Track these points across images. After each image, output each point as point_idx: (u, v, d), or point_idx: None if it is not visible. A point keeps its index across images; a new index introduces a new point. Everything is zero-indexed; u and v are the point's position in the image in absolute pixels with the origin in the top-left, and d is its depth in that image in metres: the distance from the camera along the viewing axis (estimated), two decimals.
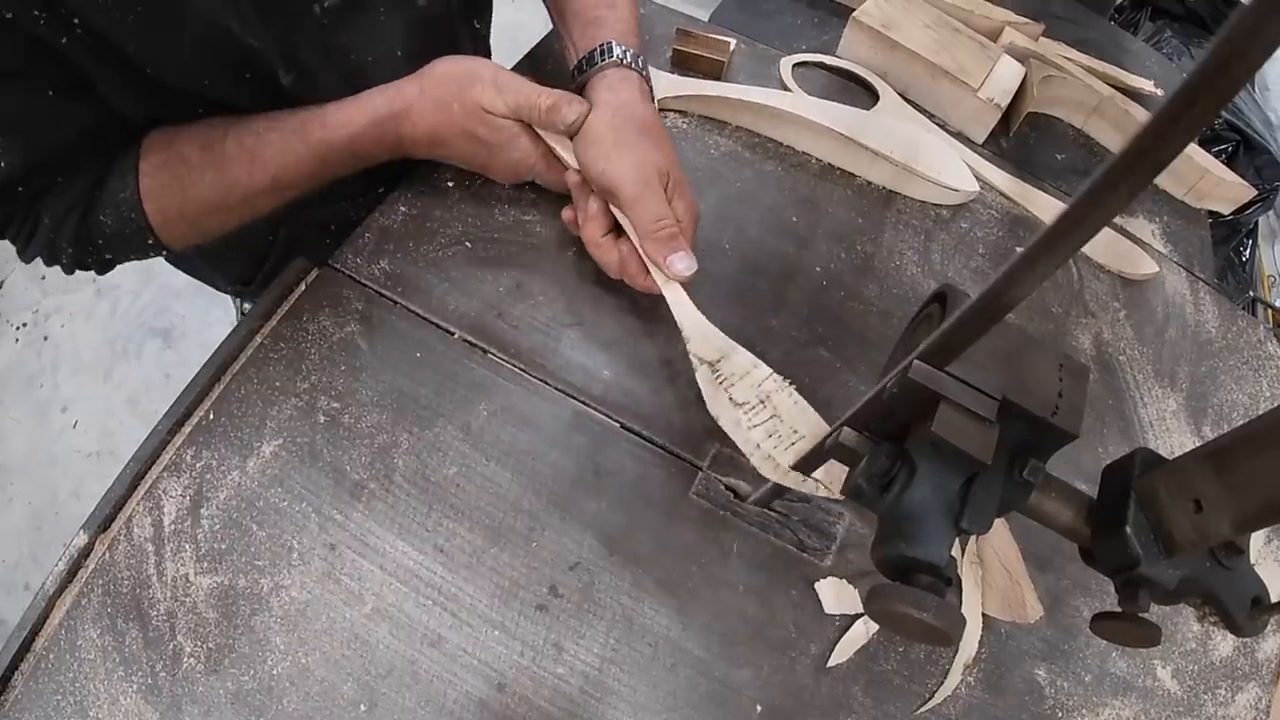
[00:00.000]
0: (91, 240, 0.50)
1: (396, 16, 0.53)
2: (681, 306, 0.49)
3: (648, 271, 0.50)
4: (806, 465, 0.41)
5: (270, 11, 0.45)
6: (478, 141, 0.52)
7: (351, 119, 0.49)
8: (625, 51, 0.55)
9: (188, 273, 0.78)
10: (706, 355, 0.47)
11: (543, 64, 0.67)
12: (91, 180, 0.48)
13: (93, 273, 0.53)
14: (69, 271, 0.52)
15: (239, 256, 0.73)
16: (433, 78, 0.51)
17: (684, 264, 0.48)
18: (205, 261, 0.74)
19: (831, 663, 0.45)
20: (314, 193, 0.53)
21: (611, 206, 0.51)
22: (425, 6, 0.55)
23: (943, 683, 0.45)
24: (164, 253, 0.54)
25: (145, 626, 0.42)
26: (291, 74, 0.48)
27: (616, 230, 0.52)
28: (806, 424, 0.43)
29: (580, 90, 0.55)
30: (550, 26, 0.70)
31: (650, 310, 0.55)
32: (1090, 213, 0.20)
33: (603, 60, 0.54)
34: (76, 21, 0.39)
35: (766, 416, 0.43)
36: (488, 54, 0.69)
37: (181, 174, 0.48)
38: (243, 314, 0.88)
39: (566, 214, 0.54)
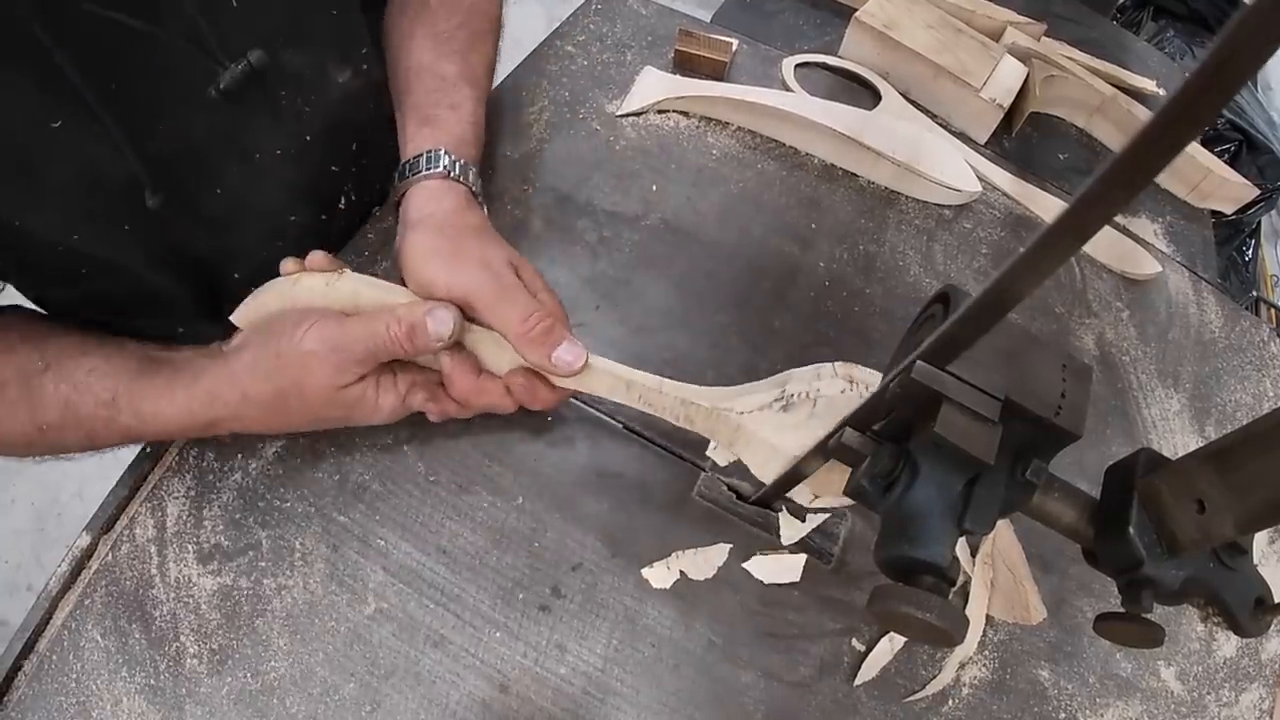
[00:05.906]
0: None
1: (303, 98, 0.48)
2: (617, 374, 0.43)
3: (550, 384, 0.44)
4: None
5: (147, 127, 0.40)
6: (335, 419, 0.44)
7: (162, 412, 0.42)
8: (454, 162, 0.49)
9: None
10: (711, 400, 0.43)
11: (544, 65, 0.67)
12: None
13: None
14: None
15: (149, 316, 0.58)
16: (255, 376, 0.41)
17: (571, 354, 0.42)
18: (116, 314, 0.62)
19: (858, 681, 0.45)
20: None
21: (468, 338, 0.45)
22: (344, 83, 0.50)
23: (936, 675, 0.45)
24: None
25: (148, 627, 0.42)
26: (160, 195, 0.42)
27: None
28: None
29: (399, 200, 0.49)
30: (551, 27, 0.70)
31: (651, 313, 0.55)
32: (1091, 212, 0.20)
33: (427, 169, 0.48)
34: None
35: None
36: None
37: None
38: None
39: (433, 410, 0.45)
